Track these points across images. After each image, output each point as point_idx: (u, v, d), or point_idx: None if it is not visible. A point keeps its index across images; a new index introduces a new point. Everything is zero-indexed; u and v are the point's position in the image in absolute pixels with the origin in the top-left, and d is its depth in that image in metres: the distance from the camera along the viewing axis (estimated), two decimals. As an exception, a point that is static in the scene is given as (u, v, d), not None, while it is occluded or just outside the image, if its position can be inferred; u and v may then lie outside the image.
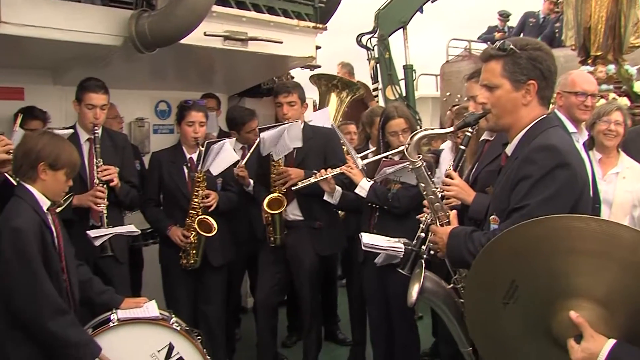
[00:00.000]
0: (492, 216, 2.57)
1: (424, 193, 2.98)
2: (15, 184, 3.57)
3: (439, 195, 3.04)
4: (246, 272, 5.89)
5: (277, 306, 5.04)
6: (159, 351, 3.28)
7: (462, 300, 2.98)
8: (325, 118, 5.63)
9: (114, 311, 3.34)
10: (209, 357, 3.44)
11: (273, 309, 4.92)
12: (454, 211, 3.01)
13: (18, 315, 2.86)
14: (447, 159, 4.53)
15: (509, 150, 2.61)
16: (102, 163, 4.21)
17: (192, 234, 4.45)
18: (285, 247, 4.74)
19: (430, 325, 5.53)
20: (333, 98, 6.80)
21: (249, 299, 6.36)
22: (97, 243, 4.05)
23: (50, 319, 2.86)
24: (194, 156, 4.61)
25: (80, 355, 2.96)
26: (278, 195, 4.61)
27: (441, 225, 2.93)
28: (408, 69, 9.11)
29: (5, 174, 3.63)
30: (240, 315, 6.30)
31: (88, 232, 4.06)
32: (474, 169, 3.68)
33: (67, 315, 2.95)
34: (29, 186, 3.04)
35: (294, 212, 4.73)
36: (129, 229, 4.26)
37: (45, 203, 3.06)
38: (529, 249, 2.00)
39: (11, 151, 3.58)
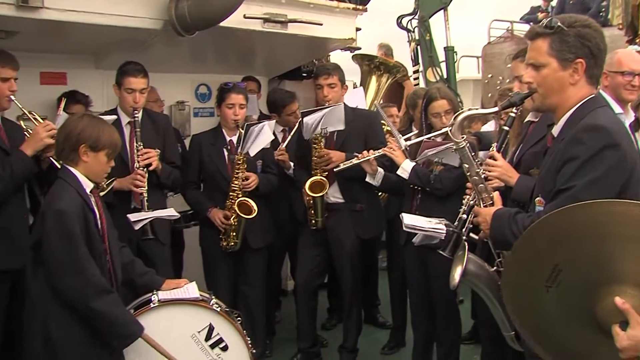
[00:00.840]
0: (538, 198, 2.51)
1: (468, 174, 2.94)
2: (59, 167, 3.66)
3: (483, 177, 3.00)
4: (286, 255, 5.90)
5: (317, 289, 5.06)
6: (199, 332, 3.30)
7: (502, 283, 2.95)
8: (360, 97, 5.59)
9: (154, 292, 3.35)
10: (248, 339, 3.43)
11: (313, 292, 4.94)
12: (497, 192, 2.97)
13: (63, 295, 2.89)
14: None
15: (555, 131, 2.54)
16: (142, 146, 4.24)
17: (232, 216, 4.46)
18: (326, 229, 4.73)
19: (469, 309, 5.48)
20: (373, 81, 6.74)
21: (290, 281, 6.38)
22: (137, 227, 4.09)
23: (94, 298, 2.88)
24: (234, 139, 4.62)
25: (124, 334, 2.99)
26: (320, 178, 4.60)
27: (485, 206, 2.89)
28: (449, 50, 8.98)
29: (51, 158, 3.71)
30: (281, 297, 6.32)
31: (128, 215, 4.10)
32: (517, 151, 3.61)
33: (110, 295, 2.98)
34: (71, 168, 3.05)
35: (334, 195, 4.71)
36: (169, 212, 4.29)
37: (88, 185, 3.08)
38: (573, 234, 1.95)
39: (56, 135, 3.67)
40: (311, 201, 4.65)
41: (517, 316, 2.19)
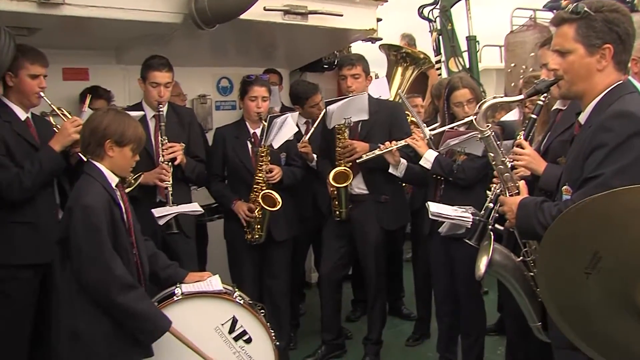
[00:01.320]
0: (565, 186, 2.47)
1: (493, 163, 2.91)
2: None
3: (509, 165, 2.96)
4: (310, 247, 5.90)
5: (341, 280, 5.04)
6: (222, 324, 3.30)
7: (531, 274, 2.92)
8: (384, 87, 5.56)
9: (178, 285, 3.36)
10: (272, 331, 3.44)
11: (337, 283, 4.93)
12: (523, 181, 2.94)
13: (89, 291, 2.90)
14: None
15: (582, 118, 2.50)
16: (167, 141, 4.25)
17: (256, 208, 4.46)
18: (350, 221, 4.72)
19: (494, 300, 5.46)
20: (399, 73, 6.69)
21: (313, 274, 6.38)
22: (161, 222, 4.11)
23: (119, 293, 2.89)
24: (258, 131, 4.62)
25: (149, 329, 3.00)
26: (344, 169, 4.59)
27: (510, 195, 2.86)
28: (471, 40, 8.88)
29: (79, 154, 3.74)
30: (305, 290, 6.34)
31: (152, 210, 4.12)
32: (545, 139, 3.57)
33: (136, 290, 2.98)
34: (97, 163, 3.06)
35: (359, 186, 4.70)
36: (193, 207, 4.30)
37: (113, 180, 3.09)
38: (615, 220, 1.91)
39: None
40: (335, 192, 4.64)
41: (554, 304, 2.15)
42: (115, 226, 2.99)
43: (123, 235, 3.04)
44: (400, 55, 6.56)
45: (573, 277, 2.00)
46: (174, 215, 4.15)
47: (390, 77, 6.71)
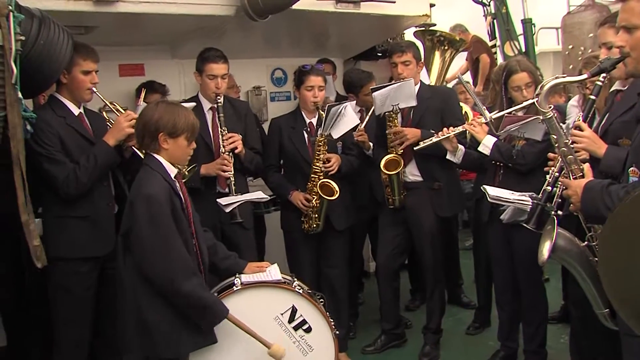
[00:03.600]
0: (632, 168, 2.39)
1: (556, 145, 2.84)
2: (143, 156, 3.74)
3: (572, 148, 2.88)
4: (367, 236, 5.88)
5: (399, 269, 5.01)
6: (282, 314, 3.31)
7: (597, 259, 2.84)
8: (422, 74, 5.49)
9: (237, 275, 3.38)
10: (331, 320, 3.43)
11: (394, 272, 4.90)
12: (588, 164, 2.86)
13: (153, 280, 2.94)
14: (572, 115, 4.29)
15: (648, 98, 2.42)
16: (226, 131, 4.29)
17: (314, 198, 4.46)
18: (405, 208, 4.68)
19: (556, 288, 5.35)
20: (437, 57, 6.58)
21: (371, 263, 6.36)
22: (228, 210, 4.15)
23: (184, 280, 2.92)
24: (314, 121, 4.62)
25: (211, 315, 3.04)
26: (395, 156, 4.55)
27: (574, 178, 2.79)
28: (527, 22, 8.70)
29: (133, 147, 3.80)
30: (363, 279, 6.33)
31: (218, 200, 4.17)
32: (604, 121, 3.46)
33: (198, 277, 3.02)
34: (156, 155, 3.09)
35: (413, 173, 4.65)
36: (258, 195, 4.33)
37: (172, 171, 3.11)
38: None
39: None
40: (387, 179, 4.61)
41: (615, 293, 2.08)
42: (177, 216, 3.02)
43: (184, 225, 3.07)
44: (436, 39, 6.45)
45: (637, 263, 1.92)
46: (240, 203, 4.18)
47: (428, 62, 6.58)
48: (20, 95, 2.95)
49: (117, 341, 3.55)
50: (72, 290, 3.66)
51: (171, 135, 3.06)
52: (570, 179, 2.80)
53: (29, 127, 3.15)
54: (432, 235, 4.68)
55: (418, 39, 6.44)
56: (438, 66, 6.47)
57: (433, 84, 6.09)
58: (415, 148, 4.42)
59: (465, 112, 5.48)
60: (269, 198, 4.51)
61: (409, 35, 6.42)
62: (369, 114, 4.96)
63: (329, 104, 4.42)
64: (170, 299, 2.96)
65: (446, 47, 6.44)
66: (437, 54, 6.48)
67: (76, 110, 3.77)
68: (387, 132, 4.57)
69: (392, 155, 4.56)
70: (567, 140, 2.85)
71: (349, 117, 4.47)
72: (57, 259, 3.57)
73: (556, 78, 2.84)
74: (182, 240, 3.01)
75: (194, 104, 4.22)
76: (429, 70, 6.35)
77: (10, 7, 2.80)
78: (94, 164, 3.61)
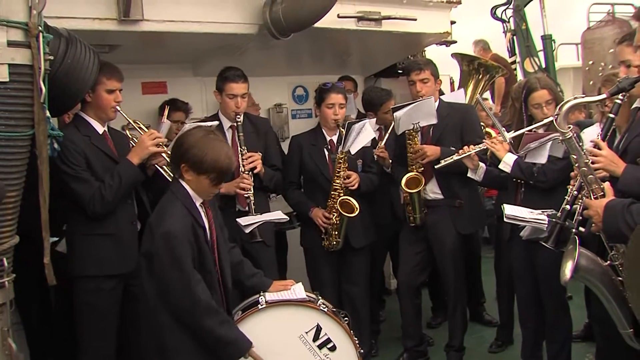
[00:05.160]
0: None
1: (576, 165, 2.85)
2: (165, 174, 3.77)
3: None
4: (388, 254, 5.87)
5: (420, 286, 4.99)
6: (307, 332, 3.31)
7: (620, 279, 2.82)
8: (460, 99, 5.50)
9: (262, 294, 3.39)
10: (355, 339, 3.43)
11: (416, 289, 4.88)
12: (608, 183, 2.85)
13: (174, 311, 2.93)
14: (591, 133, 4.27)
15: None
16: (245, 150, 4.31)
17: (334, 215, 4.47)
18: (426, 226, 4.68)
19: (580, 306, 5.28)
20: (471, 84, 6.57)
21: (392, 280, 6.33)
22: (248, 230, 4.17)
23: (205, 317, 2.92)
24: (334, 138, 4.64)
25: (230, 353, 3.01)
26: (416, 174, 4.56)
27: (595, 198, 2.78)
28: (547, 39, 8.72)
29: (157, 166, 3.84)
30: (384, 296, 6.32)
31: (238, 220, 4.18)
32: (623, 139, 3.44)
33: (219, 314, 2.99)
34: (183, 182, 3.04)
35: (434, 191, 4.67)
36: (277, 215, 4.35)
37: (197, 199, 3.06)
38: None
39: (160, 143, 3.77)
40: (408, 197, 4.62)
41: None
42: (199, 248, 2.99)
43: (206, 255, 3.04)
44: (473, 66, 6.46)
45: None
46: (260, 224, 4.20)
47: (464, 87, 6.61)
48: (47, 114, 2.98)
49: (141, 357, 3.54)
50: (97, 307, 3.68)
51: (194, 170, 2.99)
52: (591, 198, 2.79)
53: (56, 146, 3.17)
54: (454, 252, 4.67)
55: (455, 59, 6.46)
56: (470, 93, 6.48)
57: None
58: (436, 167, 4.43)
59: (488, 131, 5.46)
60: (288, 219, 4.52)
61: (430, 52, 6.44)
62: (389, 131, 4.96)
63: (349, 121, 4.45)
64: (191, 330, 2.95)
65: (482, 75, 6.46)
66: (473, 81, 6.49)
67: (100, 129, 3.81)
68: (408, 150, 4.57)
69: (413, 173, 4.57)
70: (587, 160, 2.85)
71: (366, 133, 4.48)
72: (83, 276, 3.62)
73: (575, 98, 2.85)
74: (205, 273, 2.99)
75: (217, 122, 4.24)
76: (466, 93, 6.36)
77: (40, 28, 2.84)
78: (118, 183, 3.63)
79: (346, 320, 3.48)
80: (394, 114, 4.53)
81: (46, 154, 3.01)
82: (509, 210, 3.91)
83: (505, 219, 3.91)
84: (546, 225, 3.63)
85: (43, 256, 3.96)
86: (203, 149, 2.97)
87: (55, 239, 3.57)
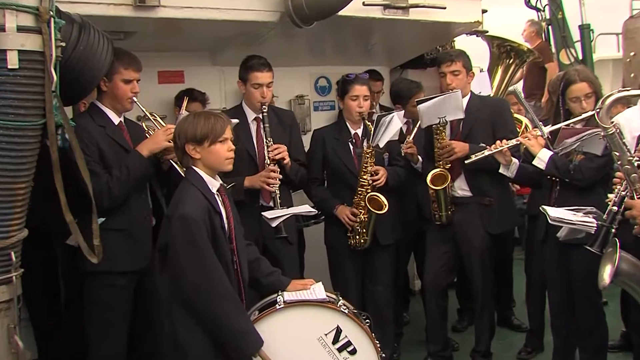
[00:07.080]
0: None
1: (619, 163, 2.69)
2: (178, 168, 3.66)
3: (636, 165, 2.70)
4: (412, 253, 5.71)
5: (446, 288, 4.84)
6: (326, 334, 3.20)
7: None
8: (484, 83, 5.33)
9: (280, 293, 3.30)
10: (377, 342, 3.31)
11: (442, 291, 4.73)
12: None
13: (189, 300, 2.88)
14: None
15: None
16: (271, 142, 4.19)
17: (361, 212, 4.34)
18: (453, 224, 4.53)
19: (615, 313, 5.08)
20: (500, 69, 6.40)
21: (416, 281, 6.20)
22: (274, 224, 4.04)
23: (221, 303, 2.86)
24: (359, 131, 4.50)
25: (242, 346, 2.93)
26: (442, 170, 4.43)
27: (639, 198, 2.60)
28: (585, 28, 8.44)
29: (171, 161, 3.72)
30: (408, 297, 6.19)
31: (263, 213, 4.08)
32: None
33: (235, 303, 2.94)
34: (196, 169, 3.03)
35: (462, 188, 4.52)
36: (305, 208, 4.24)
37: (214, 185, 3.04)
38: None
39: None
40: (434, 194, 4.48)
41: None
42: (215, 235, 2.96)
43: (223, 243, 3.00)
44: (504, 48, 6.27)
45: None
46: (287, 217, 4.08)
47: (492, 71, 6.44)
48: (58, 102, 2.89)
49: (153, 356, 3.50)
50: (109, 304, 3.60)
51: (197, 144, 3.00)
52: (634, 198, 2.62)
53: (67, 136, 3.08)
54: (482, 253, 4.52)
55: (485, 41, 6.28)
56: (499, 77, 6.30)
57: (493, 93, 5.93)
58: (466, 162, 4.29)
59: (526, 124, 5.25)
60: (316, 212, 4.41)
61: (459, 42, 6.26)
62: (417, 125, 4.82)
63: (379, 114, 4.33)
64: (204, 325, 2.89)
65: (512, 59, 6.26)
66: (502, 65, 6.32)
67: (116, 120, 3.72)
68: (435, 146, 4.44)
69: (438, 169, 4.44)
70: (630, 158, 2.67)
71: (393, 126, 4.34)
72: (93, 272, 3.49)
73: (620, 91, 2.68)
74: (221, 259, 2.94)
75: (236, 121, 4.05)
76: (492, 79, 6.17)
77: (51, 13, 2.75)
78: (126, 176, 3.53)
79: (367, 322, 3.37)
80: (418, 106, 4.40)
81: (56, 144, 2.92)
82: (553, 212, 3.72)
83: (550, 222, 3.72)
84: (594, 229, 3.43)
85: (53, 252, 3.92)
86: (191, 123, 3.02)
87: (103, 219, 3.44)
